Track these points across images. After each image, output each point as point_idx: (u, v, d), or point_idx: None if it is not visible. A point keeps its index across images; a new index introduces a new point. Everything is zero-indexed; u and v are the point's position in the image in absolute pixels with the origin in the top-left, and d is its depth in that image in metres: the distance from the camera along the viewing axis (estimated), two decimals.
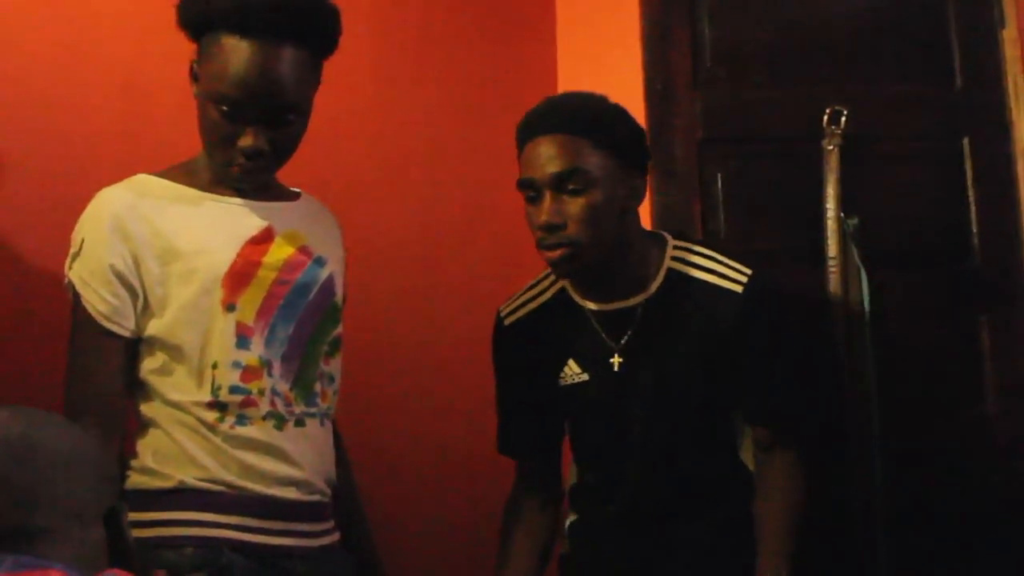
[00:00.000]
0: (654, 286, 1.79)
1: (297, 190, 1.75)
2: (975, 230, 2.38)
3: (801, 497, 1.79)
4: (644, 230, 1.84)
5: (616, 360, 1.79)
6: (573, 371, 1.83)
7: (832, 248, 2.24)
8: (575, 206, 1.69)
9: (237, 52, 1.52)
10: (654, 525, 1.82)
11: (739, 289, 1.77)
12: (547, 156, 1.69)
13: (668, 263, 1.81)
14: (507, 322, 1.92)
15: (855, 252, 2.29)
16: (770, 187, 2.33)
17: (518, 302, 1.92)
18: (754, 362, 1.79)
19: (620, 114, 1.78)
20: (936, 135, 2.42)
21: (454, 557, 2.30)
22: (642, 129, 1.81)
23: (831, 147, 2.29)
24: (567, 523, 1.94)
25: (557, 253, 1.70)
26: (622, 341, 1.80)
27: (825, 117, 2.30)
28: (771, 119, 2.36)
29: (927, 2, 2.45)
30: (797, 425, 1.84)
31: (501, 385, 1.95)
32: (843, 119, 2.29)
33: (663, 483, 1.81)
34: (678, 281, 1.79)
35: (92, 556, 1.17)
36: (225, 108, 1.53)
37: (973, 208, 2.39)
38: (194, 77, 1.59)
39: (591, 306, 1.82)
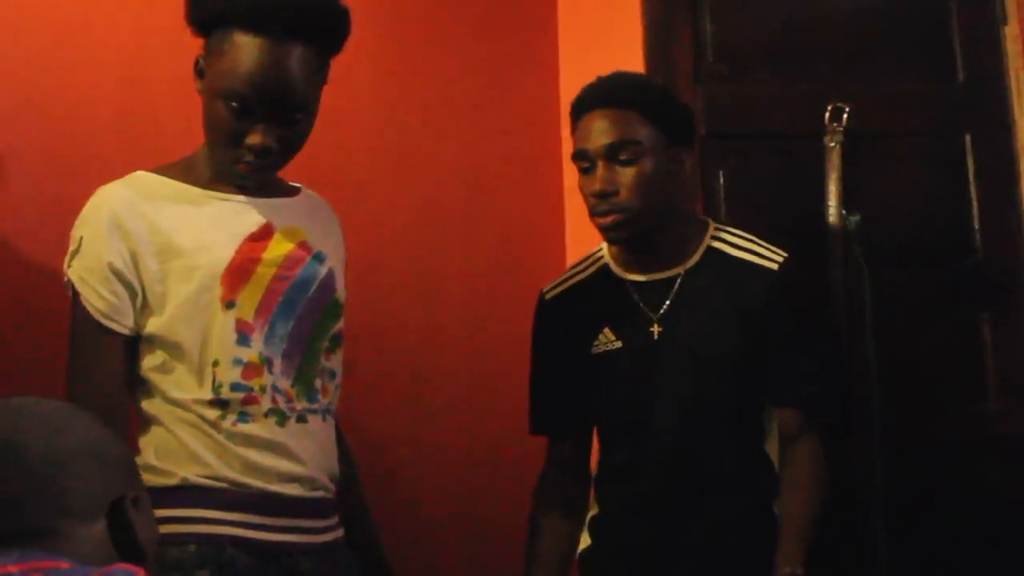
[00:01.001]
0: (693, 260, 1.88)
1: (297, 185, 1.75)
2: (977, 227, 2.39)
3: (824, 489, 1.82)
4: (688, 208, 1.93)
5: (656, 329, 1.86)
6: (607, 338, 1.89)
7: (834, 245, 2.24)
8: (627, 175, 1.80)
9: (250, 50, 1.52)
10: (674, 510, 1.83)
11: (774, 267, 1.85)
12: (600, 128, 1.81)
13: (708, 241, 1.90)
14: (547, 297, 2.00)
15: (857, 249, 2.29)
16: (772, 184, 2.34)
17: (560, 279, 2.00)
18: (786, 339, 1.85)
19: (667, 91, 1.94)
20: (938, 132, 2.43)
21: (454, 556, 2.30)
22: (687, 106, 1.91)
23: (832, 144, 2.29)
24: (588, 517, 1.96)
25: (609, 219, 1.81)
26: (661, 311, 1.86)
27: (827, 114, 2.30)
28: (773, 116, 2.37)
29: None
30: (823, 409, 1.88)
31: (537, 361, 2.00)
32: (844, 116, 2.29)
33: (688, 459, 1.83)
34: (716, 257, 1.88)
35: (97, 552, 1.13)
36: (235, 105, 1.53)
37: (975, 205, 2.40)
38: (199, 73, 1.58)
39: (631, 277, 1.90)
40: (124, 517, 1.16)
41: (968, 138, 2.40)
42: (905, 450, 2.22)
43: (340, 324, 1.69)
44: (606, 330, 1.89)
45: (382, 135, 2.38)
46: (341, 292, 1.71)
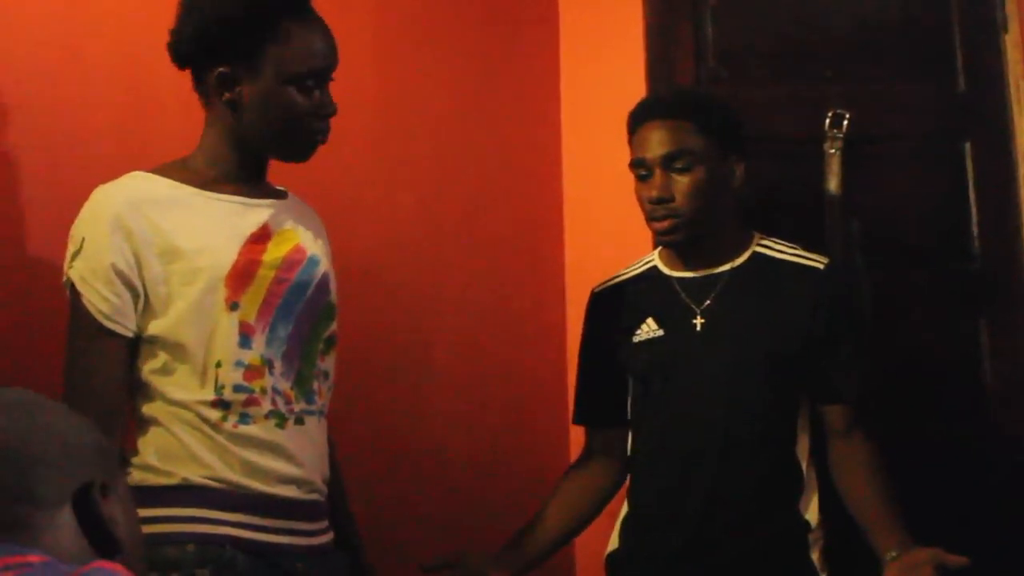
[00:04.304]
0: (740, 260, 1.96)
1: (283, 189, 1.76)
2: (976, 232, 2.39)
3: (889, 473, 1.88)
4: (737, 217, 1.99)
5: (699, 321, 1.93)
6: (650, 328, 1.96)
7: (833, 250, 2.24)
8: (682, 183, 1.90)
9: (308, 30, 1.65)
10: (703, 508, 1.86)
11: (821, 266, 1.94)
12: (658, 139, 1.91)
13: (754, 247, 1.98)
14: (596, 291, 2.10)
15: (856, 254, 2.29)
16: (772, 187, 2.33)
17: (610, 277, 2.10)
18: (834, 336, 1.91)
19: (719, 103, 2.01)
20: (938, 137, 2.42)
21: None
22: (738, 117, 1.98)
23: (832, 150, 2.29)
24: (620, 517, 2.00)
25: (665, 224, 1.91)
26: (704, 304, 1.93)
27: (827, 121, 2.30)
28: (773, 120, 2.36)
29: (930, 4, 2.45)
30: (870, 405, 1.93)
31: (582, 353, 2.10)
32: (844, 122, 2.29)
33: (722, 448, 1.87)
34: (762, 259, 1.97)
35: (68, 544, 1.08)
36: (310, 82, 1.63)
37: (974, 210, 2.39)
38: (229, 85, 1.62)
39: (678, 274, 1.98)
40: (92, 505, 1.10)
41: (968, 144, 2.40)
42: (904, 452, 2.21)
43: (334, 326, 1.71)
44: (649, 320, 1.97)
45: (382, 138, 2.37)
46: (335, 295, 1.73)
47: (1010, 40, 2.39)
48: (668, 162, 1.90)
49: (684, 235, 1.91)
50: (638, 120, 1.97)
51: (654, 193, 1.90)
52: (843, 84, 2.39)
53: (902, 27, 2.44)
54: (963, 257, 2.39)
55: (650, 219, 1.93)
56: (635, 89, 2.43)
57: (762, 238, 1.99)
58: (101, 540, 1.09)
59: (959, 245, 2.39)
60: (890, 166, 2.37)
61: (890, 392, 2.22)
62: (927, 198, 2.40)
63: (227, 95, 1.62)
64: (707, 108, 1.96)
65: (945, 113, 2.42)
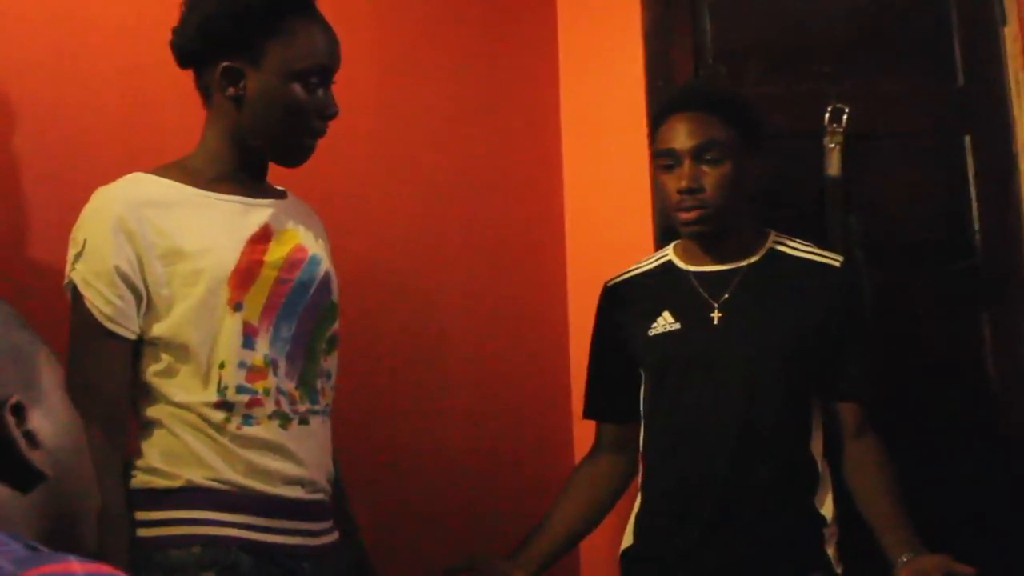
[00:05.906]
0: (757, 256, 1.98)
1: (283, 189, 1.76)
2: (976, 227, 2.39)
3: (898, 474, 1.90)
4: (753, 213, 2.01)
5: (716, 315, 1.94)
6: (666, 321, 1.97)
7: (834, 245, 2.24)
8: (711, 175, 1.90)
9: (312, 28, 1.65)
10: (718, 502, 1.87)
11: (837, 264, 1.96)
12: (688, 130, 1.92)
13: (770, 243, 2.00)
14: (609, 285, 2.10)
15: (856, 249, 2.29)
16: (772, 184, 2.33)
17: (623, 271, 2.10)
18: (849, 334, 1.93)
19: (746, 99, 2.04)
20: (937, 132, 2.43)
21: (452, 557, 2.30)
22: (760, 115, 1.99)
23: (832, 145, 2.29)
24: (634, 513, 2.00)
25: (694, 214, 1.91)
26: (722, 299, 1.94)
27: (826, 115, 2.30)
28: (772, 116, 2.35)
29: None
30: (880, 403, 1.95)
31: (594, 347, 2.10)
32: (844, 117, 2.29)
33: (737, 442, 1.87)
34: (779, 256, 1.99)
35: None
36: (314, 79, 1.64)
37: (974, 205, 2.40)
38: (233, 78, 1.62)
39: (694, 268, 2.00)
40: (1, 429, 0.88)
41: (968, 138, 2.40)
42: (905, 449, 2.21)
43: (336, 326, 1.71)
44: (665, 314, 1.98)
45: (383, 138, 2.37)
46: (336, 294, 1.73)
47: (1009, 34, 2.40)
48: (698, 153, 1.90)
49: (711, 227, 1.92)
50: (667, 111, 1.97)
51: (684, 183, 1.90)
52: (842, 80, 2.39)
53: (901, 22, 2.44)
54: (964, 252, 2.39)
55: (677, 209, 1.93)
56: (634, 88, 2.44)
57: (777, 235, 2.00)
58: (13, 471, 0.88)
59: (960, 240, 2.39)
60: (890, 161, 2.38)
61: (891, 387, 2.23)
62: (927, 193, 2.40)
63: (232, 90, 1.62)
64: (735, 102, 1.98)
65: (944, 108, 2.42)
